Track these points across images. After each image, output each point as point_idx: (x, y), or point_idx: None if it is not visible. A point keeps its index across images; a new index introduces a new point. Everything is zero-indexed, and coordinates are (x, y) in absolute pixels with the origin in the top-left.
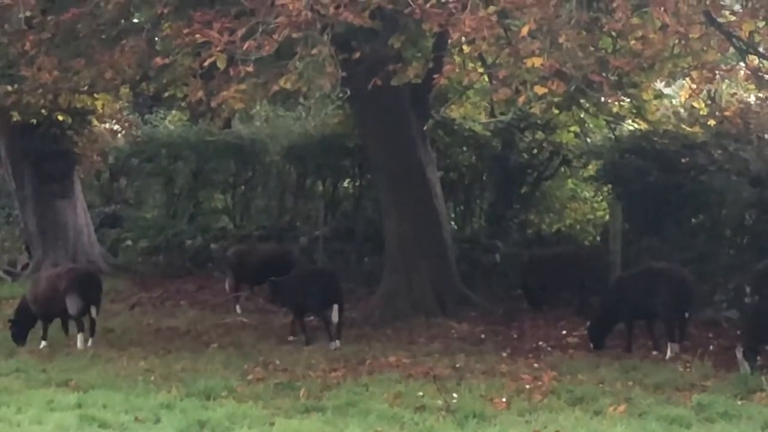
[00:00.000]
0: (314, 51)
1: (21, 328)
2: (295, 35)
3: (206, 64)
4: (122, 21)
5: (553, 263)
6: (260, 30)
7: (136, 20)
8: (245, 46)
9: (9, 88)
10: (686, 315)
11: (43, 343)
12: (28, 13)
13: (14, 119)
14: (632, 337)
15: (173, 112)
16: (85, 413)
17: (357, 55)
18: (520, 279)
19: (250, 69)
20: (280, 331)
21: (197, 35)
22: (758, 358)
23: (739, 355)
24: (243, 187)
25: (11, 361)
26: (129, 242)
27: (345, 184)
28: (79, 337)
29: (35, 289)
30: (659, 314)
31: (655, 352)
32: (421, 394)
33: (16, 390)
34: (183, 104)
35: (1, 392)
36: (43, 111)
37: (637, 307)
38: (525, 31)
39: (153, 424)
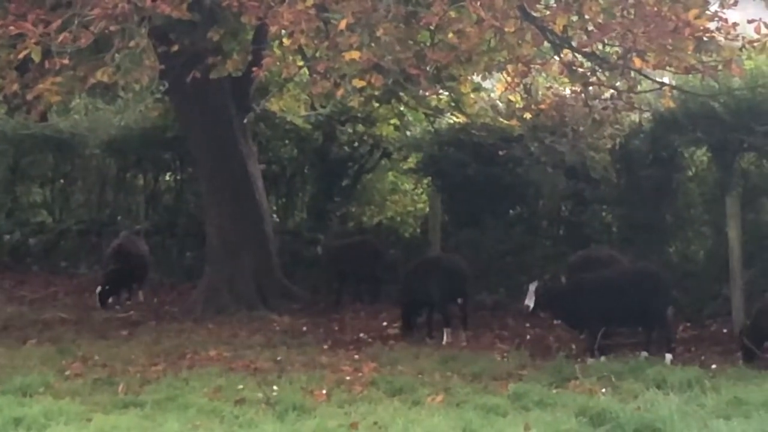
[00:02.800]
0: (132, 43)
1: None
2: (112, 28)
3: (21, 56)
4: None
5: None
6: (76, 22)
7: None
8: (60, 39)
9: None
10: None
11: None
12: None
13: None
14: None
15: None
16: None
17: (176, 47)
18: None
19: (66, 61)
20: (100, 326)
21: (11, 27)
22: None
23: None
24: (62, 181)
25: None
26: None
27: (166, 177)
28: None
29: None
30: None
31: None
32: (241, 387)
33: None
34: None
35: None
36: None
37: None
38: (343, 24)
39: None
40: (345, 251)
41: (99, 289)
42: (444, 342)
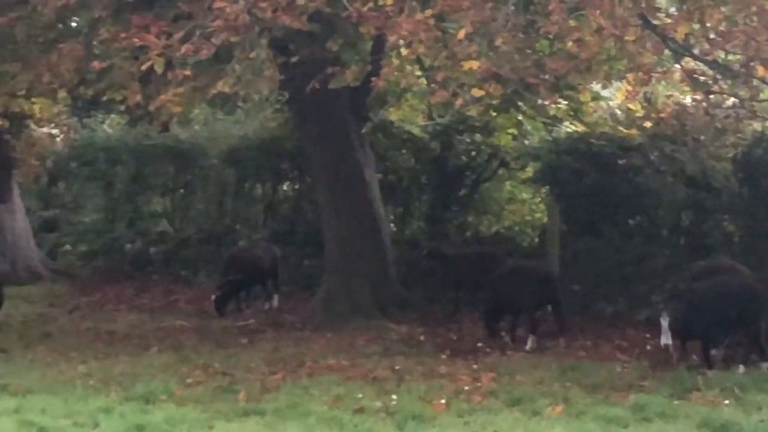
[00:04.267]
0: (252, 54)
1: None
2: (233, 39)
3: (144, 67)
4: (60, 25)
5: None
6: (198, 33)
7: (73, 24)
8: (183, 50)
9: None
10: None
11: None
12: None
13: None
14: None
15: (111, 115)
16: (23, 418)
17: (295, 58)
18: None
19: (187, 73)
20: (220, 334)
21: (135, 39)
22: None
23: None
24: (182, 191)
25: None
26: (68, 246)
27: (284, 187)
28: None
29: None
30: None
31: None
32: (360, 396)
33: None
34: (121, 108)
35: None
36: None
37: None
38: (462, 34)
39: (92, 429)
40: (463, 260)
41: (214, 296)
42: (527, 348)
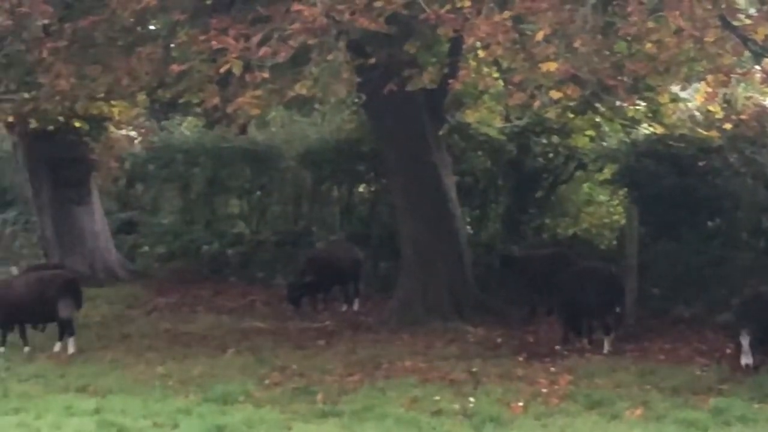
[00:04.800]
0: (330, 57)
1: None
2: (310, 41)
3: (222, 70)
4: (139, 28)
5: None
6: (276, 36)
7: (152, 27)
8: (261, 53)
9: (27, 95)
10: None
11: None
12: (45, 21)
13: (32, 126)
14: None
15: (189, 118)
16: (103, 418)
17: (372, 60)
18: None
19: (265, 75)
20: (297, 336)
21: (213, 42)
22: None
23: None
24: (259, 193)
25: (30, 367)
26: (146, 248)
27: (360, 188)
28: (71, 341)
29: (6, 293)
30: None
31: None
32: (437, 398)
33: (35, 395)
34: (199, 110)
35: (20, 397)
36: (60, 118)
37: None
38: (540, 35)
39: (171, 430)
40: (533, 262)
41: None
42: (605, 351)
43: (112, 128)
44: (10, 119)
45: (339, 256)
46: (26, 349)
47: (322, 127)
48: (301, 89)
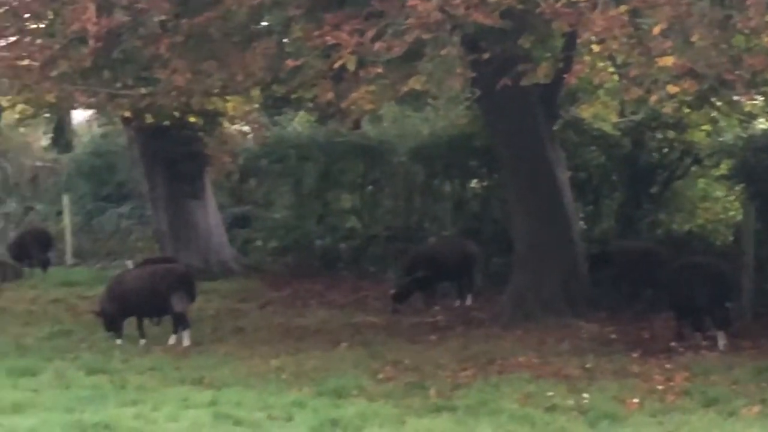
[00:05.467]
0: (444, 52)
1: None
2: (424, 36)
3: (336, 65)
4: (253, 24)
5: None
6: (390, 31)
7: (266, 23)
8: (375, 48)
9: (143, 90)
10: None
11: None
12: (162, 17)
13: (148, 121)
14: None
15: (301, 113)
16: (219, 411)
17: (486, 55)
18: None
19: (379, 70)
20: (409, 330)
21: (328, 37)
22: None
23: None
24: (371, 188)
25: (146, 359)
26: (259, 242)
27: (473, 184)
28: (185, 334)
29: (121, 287)
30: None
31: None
32: (551, 394)
33: (151, 387)
34: (311, 105)
35: (137, 389)
36: (175, 113)
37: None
38: (657, 30)
39: (286, 422)
40: (624, 256)
41: (392, 291)
42: (720, 347)
43: (225, 123)
44: (127, 114)
45: (445, 252)
46: (142, 341)
47: (435, 122)
48: (414, 84)
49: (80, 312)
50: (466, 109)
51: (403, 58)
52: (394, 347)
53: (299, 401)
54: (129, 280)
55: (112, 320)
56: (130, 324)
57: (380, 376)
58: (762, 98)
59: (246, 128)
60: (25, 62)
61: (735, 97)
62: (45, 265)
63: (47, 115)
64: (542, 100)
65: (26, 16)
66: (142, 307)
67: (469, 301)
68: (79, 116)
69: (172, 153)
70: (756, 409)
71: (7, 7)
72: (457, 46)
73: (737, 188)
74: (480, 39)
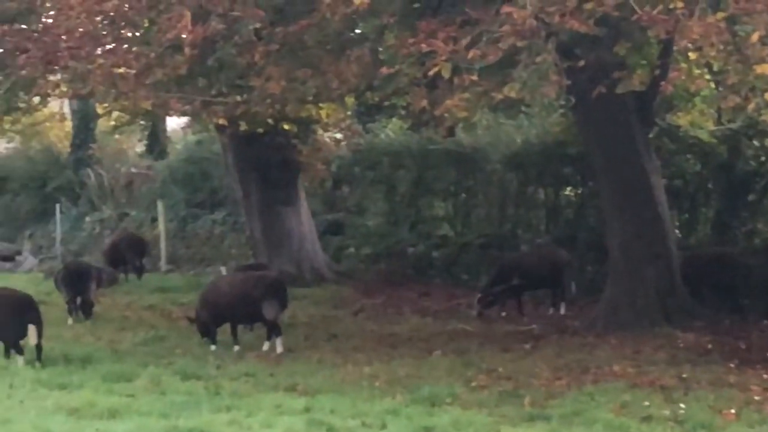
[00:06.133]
0: (538, 59)
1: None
2: (519, 44)
3: (431, 73)
4: (347, 32)
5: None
6: (485, 39)
7: (360, 31)
8: (470, 55)
9: (238, 98)
10: None
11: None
12: (257, 25)
13: (242, 128)
14: None
15: (393, 120)
16: (313, 417)
17: (581, 62)
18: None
19: (474, 78)
20: (503, 338)
21: (422, 45)
22: None
23: None
24: (464, 195)
25: (240, 365)
26: (351, 249)
27: (567, 191)
28: (278, 341)
29: (214, 293)
30: None
31: None
32: (647, 404)
33: (245, 393)
34: (403, 113)
35: (231, 395)
36: (269, 120)
37: None
38: (755, 37)
39: (379, 430)
40: (696, 262)
41: (479, 295)
42: None
43: (319, 131)
44: (222, 122)
45: (535, 261)
46: (236, 347)
47: (528, 129)
48: (509, 92)
49: (174, 318)
50: (560, 117)
51: (497, 65)
52: (488, 355)
53: (393, 409)
54: (222, 286)
55: (205, 327)
56: (223, 331)
57: (474, 384)
58: None
59: (339, 135)
60: (121, 70)
61: None
62: (140, 271)
63: (142, 122)
64: (638, 107)
65: (122, 24)
66: (235, 314)
67: (563, 310)
68: (173, 123)
69: (265, 160)
70: None
71: (103, 16)
72: (552, 54)
73: None
74: (575, 46)
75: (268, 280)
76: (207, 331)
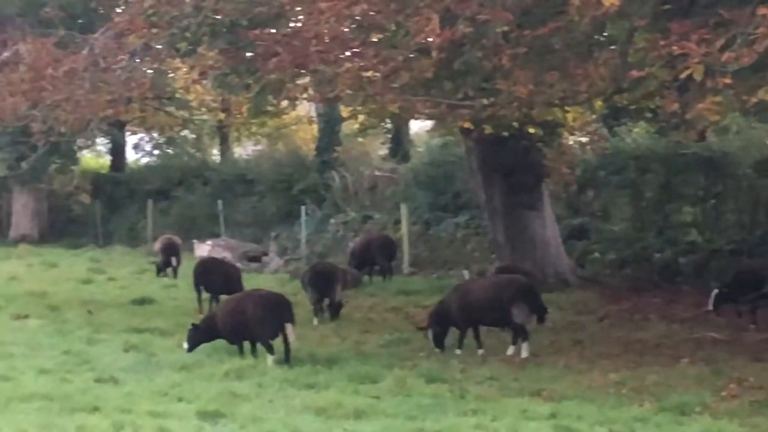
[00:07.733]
0: None
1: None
2: None
3: (683, 76)
4: (596, 34)
5: None
6: (739, 41)
7: (608, 33)
8: (723, 58)
9: (485, 101)
10: None
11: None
12: (504, 28)
13: (486, 132)
14: None
15: (640, 123)
16: (559, 424)
17: None
18: None
19: (727, 80)
20: (753, 347)
21: (674, 47)
22: None
23: None
24: (713, 201)
25: (484, 369)
26: (596, 254)
27: None
28: (524, 346)
29: (466, 296)
30: None
31: None
32: None
33: (490, 398)
34: (649, 116)
35: (476, 399)
36: (515, 124)
37: None
38: None
39: None
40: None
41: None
42: None
43: (564, 134)
44: (467, 125)
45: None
46: (480, 351)
47: None
48: (764, 95)
49: (418, 321)
50: None
51: (752, 68)
52: (738, 364)
53: (641, 416)
54: (474, 289)
55: (441, 334)
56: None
57: (724, 393)
58: None
59: (584, 139)
60: (369, 73)
61: None
62: (388, 272)
63: (387, 125)
64: None
65: (370, 27)
66: (485, 317)
67: None
68: (416, 126)
69: (509, 163)
70: None
71: (351, 20)
72: None
73: None
74: None
75: (518, 284)
76: (440, 339)
